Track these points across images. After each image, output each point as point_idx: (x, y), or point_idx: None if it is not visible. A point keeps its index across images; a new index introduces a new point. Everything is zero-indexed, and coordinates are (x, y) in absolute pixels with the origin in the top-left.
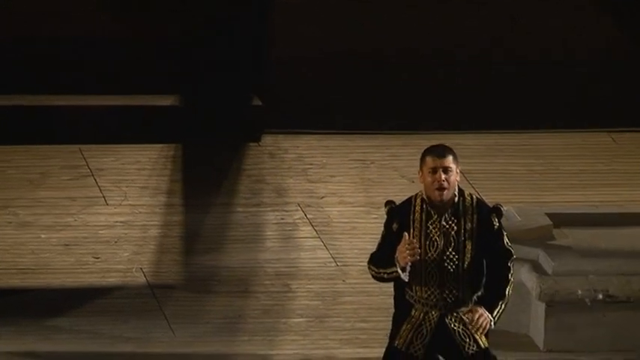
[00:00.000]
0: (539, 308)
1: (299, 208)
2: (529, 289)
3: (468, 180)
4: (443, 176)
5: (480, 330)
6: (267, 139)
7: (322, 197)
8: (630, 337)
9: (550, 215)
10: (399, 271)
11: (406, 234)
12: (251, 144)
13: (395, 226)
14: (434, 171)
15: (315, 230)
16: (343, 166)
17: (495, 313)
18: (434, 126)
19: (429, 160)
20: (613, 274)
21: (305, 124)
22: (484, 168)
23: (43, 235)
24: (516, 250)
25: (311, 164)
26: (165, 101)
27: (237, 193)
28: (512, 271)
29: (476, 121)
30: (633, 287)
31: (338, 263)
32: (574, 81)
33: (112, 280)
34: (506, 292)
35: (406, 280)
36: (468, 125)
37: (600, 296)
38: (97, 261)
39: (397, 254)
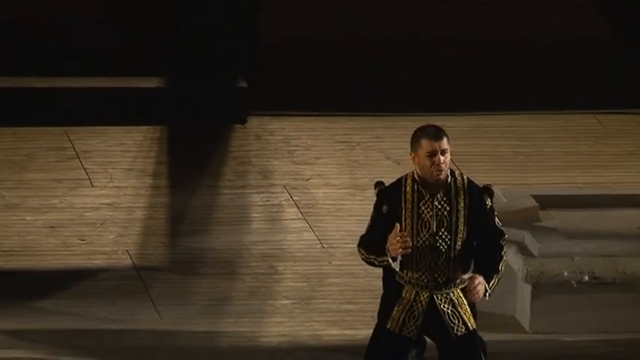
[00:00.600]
0: (525, 290)
1: (285, 190)
2: (515, 271)
3: (453, 161)
4: (441, 159)
5: (476, 297)
6: (253, 121)
7: (308, 179)
8: (616, 319)
9: (536, 197)
10: (390, 260)
11: (398, 225)
12: (237, 126)
13: (385, 208)
14: (432, 154)
15: (301, 212)
16: (329, 147)
17: (490, 285)
18: (419, 108)
19: (425, 143)
20: (599, 255)
21: (291, 106)
22: (469, 150)
23: (28, 217)
24: None
25: (297, 146)
26: (151, 83)
27: (223, 175)
28: (505, 250)
29: (460, 102)
30: (619, 269)
31: (324, 245)
32: (559, 63)
33: (98, 262)
34: (500, 268)
35: (397, 270)
36: (452, 107)
37: (586, 278)
38: (83, 243)
39: (388, 244)
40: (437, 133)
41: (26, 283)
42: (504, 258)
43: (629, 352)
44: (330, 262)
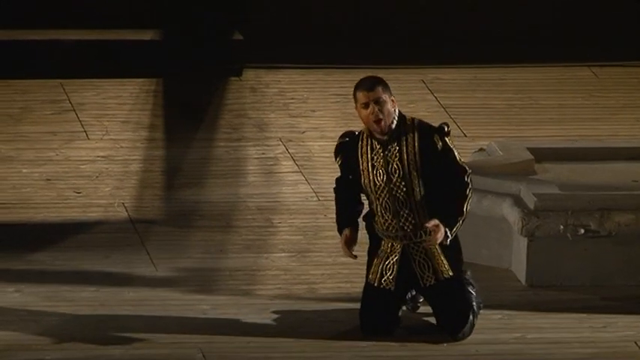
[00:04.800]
0: (522, 243)
1: (280, 142)
2: (511, 224)
3: (448, 114)
4: (376, 108)
5: (430, 245)
6: (249, 74)
7: (303, 132)
8: (611, 271)
9: (531, 150)
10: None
11: (353, 257)
12: (232, 78)
13: (339, 161)
14: (366, 105)
15: (297, 165)
16: (324, 100)
17: (454, 230)
18: (413, 60)
19: (359, 95)
20: (595, 208)
21: (286, 59)
22: (464, 102)
23: (24, 170)
24: (498, 185)
25: (292, 99)
26: (147, 35)
27: (219, 128)
28: (470, 187)
29: (455, 55)
30: (615, 221)
31: (319, 198)
32: (554, 14)
33: (94, 214)
34: (465, 209)
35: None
36: (447, 59)
37: (582, 231)
38: (79, 196)
39: (342, 237)
40: (370, 84)
41: (22, 236)
42: (469, 196)
43: (624, 304)
44: (325, 215)
